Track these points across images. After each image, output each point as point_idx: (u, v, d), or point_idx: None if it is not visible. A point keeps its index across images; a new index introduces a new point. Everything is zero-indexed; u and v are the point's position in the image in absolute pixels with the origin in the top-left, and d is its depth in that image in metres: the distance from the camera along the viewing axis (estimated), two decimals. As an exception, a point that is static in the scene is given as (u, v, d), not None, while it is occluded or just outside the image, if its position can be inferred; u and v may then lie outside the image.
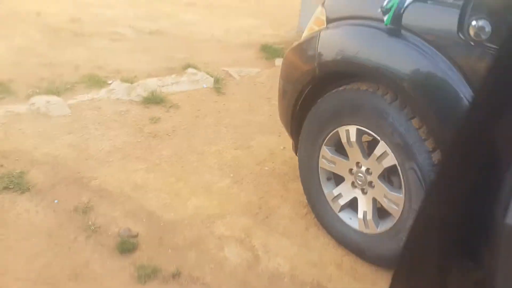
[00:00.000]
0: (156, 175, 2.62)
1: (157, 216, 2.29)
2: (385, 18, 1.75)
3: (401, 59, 1.81)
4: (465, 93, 1.63)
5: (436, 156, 1.78)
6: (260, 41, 4.95)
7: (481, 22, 1.36)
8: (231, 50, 4.68)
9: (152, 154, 2.81)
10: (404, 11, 1.72)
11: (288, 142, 2.73)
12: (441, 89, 1.72)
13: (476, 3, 1.40)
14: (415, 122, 1.81)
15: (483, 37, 1.37)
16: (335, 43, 2.05)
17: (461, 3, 1.65)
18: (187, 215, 2.32)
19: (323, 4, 2.17)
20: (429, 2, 1.73)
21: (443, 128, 1.73)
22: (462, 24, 1.44)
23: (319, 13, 2.16)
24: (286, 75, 2.40)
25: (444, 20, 1.70)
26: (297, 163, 2.53)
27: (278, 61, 4.41)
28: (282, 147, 3.03)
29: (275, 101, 3.66)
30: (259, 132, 3.21)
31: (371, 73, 1.91)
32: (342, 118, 2.05)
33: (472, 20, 1.39)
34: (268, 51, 4.62)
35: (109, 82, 3.56)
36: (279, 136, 3.15)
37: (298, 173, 2.67)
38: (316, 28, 2.15)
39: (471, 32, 1.40)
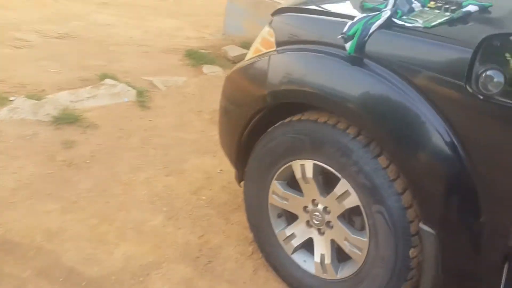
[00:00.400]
0: (74, 217, 2.20)
1: (77, 273, 1.89)
2: (347, 45, 1.53)
3: (365, 92, 1.60)
4: (442, 133, 1.44)
5: (406, 199, 1.59)
6: (184, 45, 4.59)
7: (493, 73, 1.16)
8: (153, 56, 4.28)
9: (68, 189, 2.38)
10: (368, 38, 1.51)
11: (225, 163, 2.44)
12: (410, 125, 1.51)
13: (487, 50, 1.19)
14: (381, 160, 1.61)
15: (494, 90, 1.17)
16: (289, 71, 1.80)
17: (435, 29, 1.47)
18: (114, 268, 1.95)
19: (270, 24, 1.91)
20: (396, 28, 1.52)
21: (414, 168, 1.54)
22: (470, 75, 1.23)
23: (267, 34, 1.89)
24: (231, 97, 2.12)
25: (413, 50, 1.50)
26: (237, 188, 2.28)
27: (206, 68, 4.10)
28: (218, 170, 2.74)
29: (206, 114, 3.37)
30: (192, 152, 2.89)
31: (332, 106, 1.69)
32: (296, 151, 1.81)
33: (483, 71, 1.18)
34: (194, 57, 4.27)
35: (11, 98, 3.03)
36: (214, 156, 2.85)
37: (238, 200, 2.42)
38: (264, 50, 1.89)
39: (482, 84, 1.18)
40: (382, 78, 1.53)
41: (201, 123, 3.22)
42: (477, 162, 1.41)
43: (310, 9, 1.82)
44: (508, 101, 1.15)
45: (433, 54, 1.46)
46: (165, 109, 3.33)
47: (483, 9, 1.57)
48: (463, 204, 1.48)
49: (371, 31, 1.49)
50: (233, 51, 4.33)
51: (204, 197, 2.49)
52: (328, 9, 1.80)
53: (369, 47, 1.53)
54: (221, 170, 2.71)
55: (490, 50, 1.16)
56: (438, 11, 1.56)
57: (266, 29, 1.92)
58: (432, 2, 1.62)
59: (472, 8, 1.56)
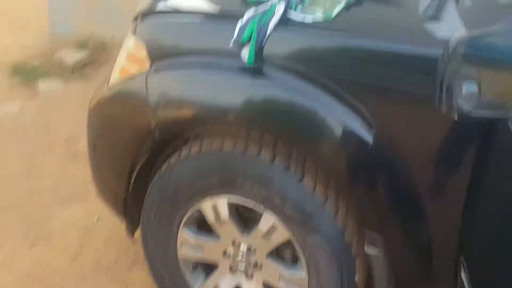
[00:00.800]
0: None
1: None
2: (244, 54, 1.21)
3: (272, 106, 1.33)
4: (366, 138, 1.24)
5: (341, 220, 1.38)
6: (6, 59, 3.74)
7: (467, 85, 0.89)
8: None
9: None
10: (266, 41, 1.18)
11: (100, 207, 1.97)
12: (326, 134, 1.30)
13: (457, 59, 0.91)
14: (307, 183, 1.36)
15: (469, 105, 0.91)
16: (176, 92, 1.43)
17: (337, 22, 1.21)
18: None
19: (135, 33, 1.46)
20: (295, 25, 1.22)
21: (343, 183, 1.35)
22: (440, 92, 0.93)
23: (133, 48, 1.46)
24: (103, 134, 1.68)
25: (319, 48, 1.25)
26: (125, 237, 1.84)
27: (42, 85, 3.38)
28: (95, 219, 2.21)
29: (59, 146, 2.73)
30: (55, 204, 2.29)
31: (236, 129, 1.41)
32: (203, 191, 1.48)
33: (461, 85, 0.90)
34: (23, 72, 3.51)
35: None
36: (84, 201, 2.29)
37: (131, 252, 2.02)
38: (133, 70, 1.47)
39: (461, 102, 0.91)
40: (288, 89, 1.27)
41: (55, 159, 2.60)
42: (411, 167, 1.24)
43: (186, 10, 1.44)
44: (487, 113, 0.92)
45: (336, 50, 1.25)
46: (2, 153, 2.63)
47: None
48: (406, 217, 1.33)
49: (268, 32, 1.17)
50: (70, 56, 3.64)
51: (88, 261, 1.99)
52: (208, 9, 1.43)
53: (272, 52, 1.24)
54: (98, 218, 2.20)
55: (460, 58, 0.91)
56: (331, -4, 1.29)
57: (131, 41, 1.48)
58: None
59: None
